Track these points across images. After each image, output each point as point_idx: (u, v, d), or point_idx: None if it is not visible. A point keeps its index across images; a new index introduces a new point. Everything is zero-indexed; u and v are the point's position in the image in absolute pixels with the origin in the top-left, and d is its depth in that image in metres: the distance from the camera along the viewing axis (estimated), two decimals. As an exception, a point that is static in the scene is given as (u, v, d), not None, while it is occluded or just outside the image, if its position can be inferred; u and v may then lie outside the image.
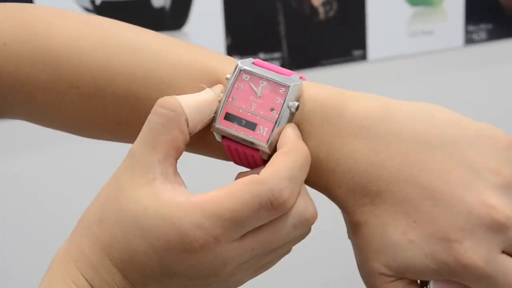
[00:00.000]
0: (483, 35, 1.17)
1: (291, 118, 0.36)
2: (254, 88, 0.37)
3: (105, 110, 0.39)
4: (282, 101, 0.36)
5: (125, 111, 0.39)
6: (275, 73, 0.37)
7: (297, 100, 0.36)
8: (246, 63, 0.37)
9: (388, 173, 0.35)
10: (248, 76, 0.37)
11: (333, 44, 1.11)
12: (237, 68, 0.37)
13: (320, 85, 0.38)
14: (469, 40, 1.16)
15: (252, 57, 0.39)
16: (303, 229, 0.34)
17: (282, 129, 0.36)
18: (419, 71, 1.13)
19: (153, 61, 0.38)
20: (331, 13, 1.09)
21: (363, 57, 1.12)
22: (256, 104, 0.36)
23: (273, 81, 0.36)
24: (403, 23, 1.14)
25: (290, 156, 0.34)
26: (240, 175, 0.37)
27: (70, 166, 0.92)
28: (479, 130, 0.35)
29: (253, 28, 1.05)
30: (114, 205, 0.33)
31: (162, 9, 0.97)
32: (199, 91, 0.37)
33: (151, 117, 0.34)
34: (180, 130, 0.34)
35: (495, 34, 1.18)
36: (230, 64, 0.38)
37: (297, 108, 0.36)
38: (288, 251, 0.36)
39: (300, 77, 0.37)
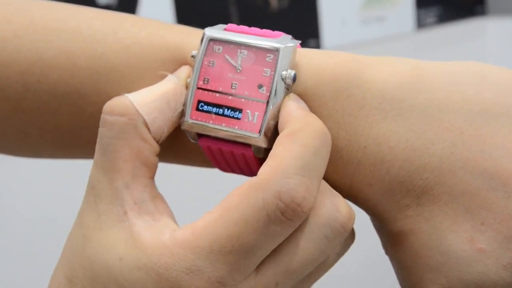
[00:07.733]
0: (433, 18, 1.19)
1: (287, 94, 0.27)
2: (232, 62, 0.27)
3: (41, 117, 0.30)
4: (272, 72, 0.27)
5: (68, 115, 0.30)
6: (256, 36, 0.28)
7: (292, 68, 0.27)
8: (216, 31, 0.28)
9: (437, 159, 0.26)
10: (221, 47, 0.28)
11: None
12: (204, 38, 0.28)
13: (324, 51, 0.29)
14: (420, 24, 1.18)
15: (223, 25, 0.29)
16: (340, 237, 0.26)
17: (279, 108, 0.27)
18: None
19: (98, 45, 0.29)
20: (283, 4, 1.08)
21: (318, 46, 1.12)
22: (237, 83, 0.27)
23: (256, 47, 0.27)
24: (356, 10, 1.14)
25: (297, 138, 0.25)
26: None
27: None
28: None
29: (204, 20, 1.03)
30: (83, 260, 0.25)
31: (108, 8, 0.93)
32: (162, 80, 0.29)
33: (100, 131, 0.26)
34: (142, 138, 0.26)
35: (445, 17, 1.21)
36: (199, 38, 0.29)
37: (294, 79, 0.26)
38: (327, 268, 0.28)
39: (292, 38, 0.28)
